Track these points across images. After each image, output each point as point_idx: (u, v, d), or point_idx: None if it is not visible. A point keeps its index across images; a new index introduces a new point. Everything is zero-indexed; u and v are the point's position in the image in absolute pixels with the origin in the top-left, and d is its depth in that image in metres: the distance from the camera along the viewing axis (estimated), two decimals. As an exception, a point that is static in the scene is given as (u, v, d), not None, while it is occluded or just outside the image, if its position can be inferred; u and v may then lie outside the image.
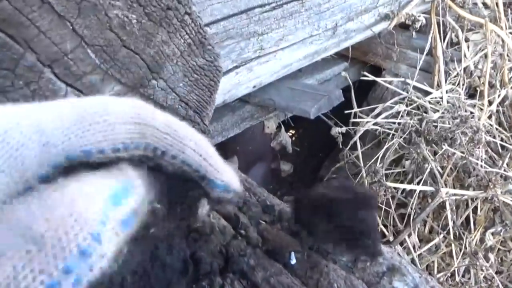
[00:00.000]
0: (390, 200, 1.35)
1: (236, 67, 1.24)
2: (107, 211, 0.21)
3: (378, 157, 1.43)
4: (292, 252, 0.47)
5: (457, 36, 1.70)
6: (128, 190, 0.23)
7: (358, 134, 1.49)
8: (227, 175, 0.30)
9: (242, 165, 1.65)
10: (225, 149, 1.59)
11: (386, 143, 1.42)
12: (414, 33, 1.76)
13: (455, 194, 1.28)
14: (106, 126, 0.25)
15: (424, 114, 1.43)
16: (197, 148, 0.28)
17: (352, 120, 1.60)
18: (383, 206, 1.38)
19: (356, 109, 1.65)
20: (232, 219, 0.52)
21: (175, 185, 0.30)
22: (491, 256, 1.42)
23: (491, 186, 1.16)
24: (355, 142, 1.54)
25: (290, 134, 2.42)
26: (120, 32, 0.53)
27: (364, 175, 1.34)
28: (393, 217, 1.37)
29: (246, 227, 0.52)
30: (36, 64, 0.48)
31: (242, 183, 0.64)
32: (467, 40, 1.72)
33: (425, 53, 1.64)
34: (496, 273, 1.44)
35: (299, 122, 2.08)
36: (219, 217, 0.52)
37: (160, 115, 0.27)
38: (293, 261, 0.47)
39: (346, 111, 1.60)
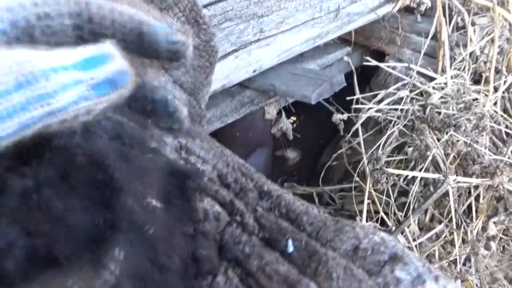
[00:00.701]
0: (390, 188, 1.33)
1: (235, 50, 1.21)
2: (69, 70, 0.22)
3: (380, 144, 1.40)
4: (290, 240, 0.45)
5: (463, 20, 1.65)
6: (103, 58, 0.24)
7: (360, 121, 1.47)
8: (167, 23, 0.30)
9: (242, 151, 1.63)
10: (224, 135, 1.57)
11: (388, 130, 1.39)
12: (419, 16, 1.71)
13: (459, 182, 1.25)
14: None
15: (427, 100, 1.39)
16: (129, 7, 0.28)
17: (354, 106, 1.57)
18: (384, 195, 1.36)
19: (358, 95, 1.61)
20: (227, 205, 0.50)
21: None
22: (493, 245, 1.41)
23: (498, 174, 1.14)
24: (357, 129, 1.51)
25: (292, 121, 2.39)
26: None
27: (366, 162, 1.32)
28: (395, 205, 1.35)
29: (242, 213, 0.50)
30: None
31: (239, 169, 0.62)
32: (473, 24, 1.67)
33: (429, 37, 1.60)
34: (497, 262, 1.43)
35: (301, 108, 2.05)
36: (213, 203, 0.50)
37: None
38: (291, 249, 0.44)
39: (348, 97, 1.56)
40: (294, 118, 2.41)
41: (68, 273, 0.23)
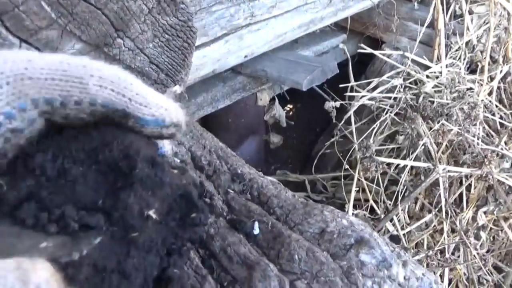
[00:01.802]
0: (380, 177, 1.32)
1: (226, 34, 1.19)
2: None
3: (371, 133, 1.39)
4: (256, 222, 0.45)
5: (460, 8, 1.63)
6: None
7: (353, 109, 1.45)
8: (159, 107, 0.27)
9: (234, 138, 1.62)
10: (216, 121, 1.56)
11: (381, 118, 1.38)
12: (416, 4, 1.69)
13: (449, 171, 1.24)
14: None
15: (420, 89, 1.38)
16: (105, 83, 0.24)
17: (348, 94, 1.56)
18: (374, 183, 1.35)
19: (352, 83, 1.60)
20: (197, 186, 0.50)
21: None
22: (483, 235, 1.41)
23: (486, 163, 1.13)
24: (350, 117, 1.50)
25: (288, 109, 2.38)
26: (78, -17, 0.49)
27: (356, 149, 1.31)
28: (384, 194, 1.35)
29: (211, 195, 0.50)
30: (-18, 15, 0.44)
31: (215, 152, 0.61)
32: (471, 12, 1.65)
33: (425, 25, 1.58)
34: (487, 251, 1.43)
35: (296, 96, 2.04)
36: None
37: (38, 58, 0.24)
38: (256, 231, 0.44)
39: (341, 85, 1.55)
40: (291, 106, 2.39)
41: (47, 237, 0.24)
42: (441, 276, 1.37)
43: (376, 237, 0.46)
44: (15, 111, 0.23)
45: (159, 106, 0.28)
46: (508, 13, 1.63)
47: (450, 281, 1.41)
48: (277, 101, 1.67)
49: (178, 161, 0.54)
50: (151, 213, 0.29)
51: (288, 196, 0.52)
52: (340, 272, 0.40)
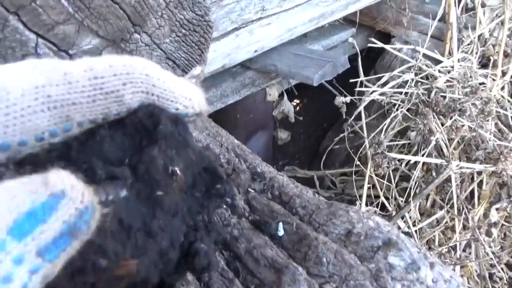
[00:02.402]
0: (392, 173, 1.31)
1: (236, 29, 1.18)
2: (5, 244, 0.17)
3: (382, 128, 1.38)
4: (280, 223, 0.44)
5: (472, 1, 1.60)
6: (48, 207, 0.18)
7: (363, 104, 1.43)
8: (184, 99, 0.28)
9: (243, 134, 1.61)
10: (225, 117, 1.55)
11: (392, 114, 1.36)
12: (427, -3, 1.66)
13: (462, 167, 1.23)
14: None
15: (432, 84, 1.36)
16: (136, 87, 0.25)
17: (358, 89, 1.54)
18: (385, 180, 1.34)
19: (362, 78, 1.58)
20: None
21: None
22: (494, 231, 1.39)
23: (502, 159, 1.11)
24: (360, 112, 1.48)
25: (295, 104, 2.36)
26: (95, -23, 0.47)
27: (368, 146, 1.29)
28: (396, 190, 1.33)
29: (232, 195, 0.48)
30: (-1, 9, 0.43)
31: (233, 150, 0.60)
32: (483, 5, 1.62)
33: (437, 18, 1.55)
34: (499, 248, 1.42)
35: (304, 90, 2.02)
36: (203, 183, 0.48)
37: (77, 76, 0.24)
38: (281, 233, 0.43)
39: (352, 80, 1.53)
40: (298, 101, 2.38)
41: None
42: (452, 273, 1.36)
43: (404, 239, 0.44)
44: (59, 130, 0.24)
45: (183, 97, 0.28)
46: (522, 7, 1.59)
47: (461, 277, 1.40)
48: (285, 96, 1.66)
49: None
50: (177, 169, 0.29)
51: (310, 195, 0.51)
52: (369, 275, 0.39)
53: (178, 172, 0.28)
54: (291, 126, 2.22)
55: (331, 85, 1.83)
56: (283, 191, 0.51)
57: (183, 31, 0.59)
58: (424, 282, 0.43)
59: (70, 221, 0.19)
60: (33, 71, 0.23)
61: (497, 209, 1.33)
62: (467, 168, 1.23)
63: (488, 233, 1.40)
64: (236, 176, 0.53)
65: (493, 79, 1.53)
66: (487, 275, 1.32)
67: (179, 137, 0.29)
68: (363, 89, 1.49)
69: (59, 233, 0.19)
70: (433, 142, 1.23)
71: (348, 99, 1.43)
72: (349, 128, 1.49)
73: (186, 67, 0.62)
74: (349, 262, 0.39)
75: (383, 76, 1.49)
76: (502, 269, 1.30)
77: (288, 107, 1.65)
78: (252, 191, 0.51)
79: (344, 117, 1.46)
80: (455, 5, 1.62)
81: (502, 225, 1.45)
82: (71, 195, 0.19)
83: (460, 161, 1.33)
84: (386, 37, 1.87)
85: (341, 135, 1.61)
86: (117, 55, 0.54)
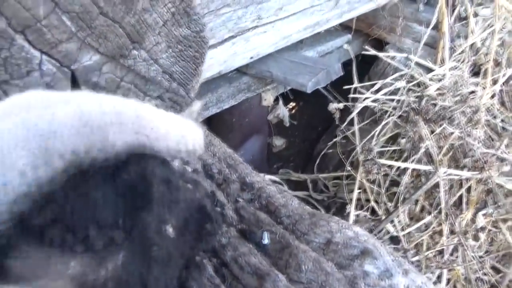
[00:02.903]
0: (381, 179, 1.34)
1: (233, 37, 1.21)
2: None
3: (374, 135, 1.41)
4: (265, 232, 0.47)
5: (465, 11, 1.64)
6: None
7: (356, 111, 1.47)
8: (175, 137, 0.30)
9: (238, 137, 1.64)
10: (220, 121, 1.58)
11: (383, 121, 1.40)
12: (421, 5, 1.70)
13: (449, 174, 1.27)
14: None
15: (423, 92, 1.40)
16: (124, 128, 0.27)
17: (351, 95, 1.57)
18: (375, 185, 1.38)
19: (356, 84, 1.62)
20: (209, 196, 0.52)
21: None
22: (481, 236, 1.43)
23: (487, 168, 1.15)
24: (353, 118, 1.52)
25: (290, 107, 2.40)
26: (97, -1, 0.50)
27: (359, 151, 1.33)
28: (385, 195, 1.37)
29: (222, 205, 0.52)
30: (7, 29, 0.46)
31: (225, 160, 0.63)
32: (476, 15, 1.65)
33: (430, 27, 1.59)
34: (485, 253, 1.46)
35: (299, 95, 2.05)
36: (194, 193, 0.52)
37: (63, 116, 0.26)
38: (266, 241, 0.46)
39: (345, 87, 1.57)
40: (293, 105, 2.41)
41: (75, 256, 0.26)
42: (440, 277, 1.40)
43: (379, 248, 0.48)
44: (41, 162, 0.26)
45: (175, 135, 0.30)
46: (512, 17, 1.63)
47: (448, 281, 1.44)
48: (281, 101, 1.69)
49: (190, 169, 0.56)
50: (169, 230, 0.31)
51: (295, 205, 0.54)
52: (344, 282, 0.43)
53: (171, 229, 0.31)
54: (286, 130, 2.25)
55: (326, 90, 1.87)
56: (269, 201, 0.54)
57: (179, 47, 0.62)
58: (396, 288, 0.46)
59: None
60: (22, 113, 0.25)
61: (484, 215, 1.37)
62: (454, 175, 1.27)
63: (476, 238, 1.44)
64: (226, 186, 0.56)
65: (483, 88, 1.57)
66: (473, 278, 1.36)
67: (171, 197, 0.31)
68: (356, 95, 1.53)
69: None
70: (423, 149, 1.27)
71: (341, 105, 1.46)
72: (341, 134, 1.52)
73: (181, 80, 0.65)
74: (326, 270, 0.42)
75: (376, 83, 1.52)
76: (487, 273, 1.34)
77: (283, 111, 1.69)
78: (241, 200, 0.55)
79: (337, 123, 1.50)
80: (448, 15, 1.66)
81: (489, 230, 1.49)
82: None
83: (448, 168, 1.36)
84: (381, 44, 1.90)
85: (334, 140, 1.64)
86: (118, 69, 0.57)
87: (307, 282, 0.42)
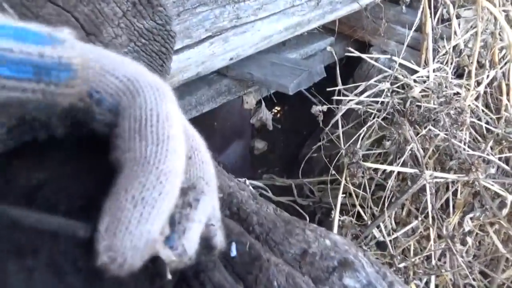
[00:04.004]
0: (367, 183, 1.31)
1: (211, 36, 1.16)
2: None
3: (358, 138, 1.38)
4: (233, 243, 0.42)
5: (448, 12, 1.62)
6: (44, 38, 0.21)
7: (340, 113, 1.44)
8: None
9: (220, 142, 1.59)
10: (201, 124, 1.52)
11: (368, 123, 1.36)
12: (404, 7, 1.68)
13: (436, 177, 1.23)
14: None
15: (408, 93, 1.37)
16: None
17: (335, 98, 1.54)
18: (361, 189, 1.34)
19: (340, 87, 1.58)
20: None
21: None
22: (469, 240, 1.40)
23: (473, 170, 1.12)
24: (337, 121, 1.48)
25: (275, 111, 2.36)
26: (43, -16, 0.45)
27: (343, 154, 1.29)
28: (371, 199, 1.33)
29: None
30: None
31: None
32: (458, 16, 1.64)
33: (413, 29, 1.57)
34: (473, 257, 1.43)
35: (284, 99, 2.01)
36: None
37: None
38: (233, 253, 0.41)
39: (329, 89, 1.53)
40: (278, 109, 2.37)
41: None
42: (428, 283, 1.37)
43: (361, 258, 0.43)
44: None
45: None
46: (495, 18, 1.63)
47: (436, 286, 1.41)
48: (263, 104, 1.65)
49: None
50: None
51: (269, 212, 0.49)
52: (322, 298, 0.38)
53: None
54: (270, 134, 2.21)
55: (311, 93, 1.83)
56: (241, 207, 0.49)
57: (143, 40, 0.57)
58: (381, 304, 0.41)
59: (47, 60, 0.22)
60: None
61: (471, 218, 1.34)
62: (441, 178, 1.24)
63: (463, 242, 1.41)
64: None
65: (468, 89, 1.55)
66: (461, 284, 1.32)
67: None
68: (340, 97, 1.50)
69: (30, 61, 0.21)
70: (408, 152, 1.23)
71: (325, 107, 1.43)
72: (326, 137, 1.48)
73: (146, 77, 0.60)
74: (300, 285, 0.37)
75: (360, 85, 1.49)
76: (475, 278, 1.31)
77: (266, 114, 1.64)
78: (210, 207, 0.49)
79: (321, 125, 1.46)
80: (431, 16, 1.64)
81: (477, 234, 1.46)
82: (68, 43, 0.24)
83: (434, 170, 1.33)
84: (365, 46, 1.88)
85: (319, 143, 1.60)
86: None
87: (279, 300, 0.36)
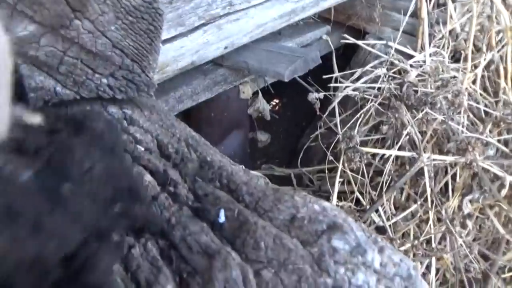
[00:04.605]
0: (365, 169, 1.30)
1: (204, 24, 1.16)
2: None
3: (355, 123, 1.38)
4: (222, 210, 0.42)
5: (443, -4, 1.61)
6: None
7: (337, 100, 1.43)
8: None
9: (218, 132, 1.59)
10: (199, 115, 1.53)
11: (364, 108, 1.36)
12: (398, -7, 1.67)
13: (434, 160, 1.23)
14: None
15: (404, 78, 1.36)
16: None
17: (332, 85, 1.53)
18: (359, 174, 1.34)
19: (336, 74, 1.58)
20: (160, 174, 0.47)
21: None
22: (469, 223, 1.40)
23: (470, 150, 1.12)
24: (334, 108, 1.48)
25: (274, 104, 2.36)
26: (26, -42, 0.45)
27: (340, 139, 1.29)
28: (369, 185, 1.33)
29: (175, 183, 0.47)
30: None
31: (185, 140, 0.58)
32: (454, 0, 1.63)
33: (408, 14, 1.56)
34: (473, 240, 1.42)
35: (282, 89, 2.01)
36: (144, 172, 0.46)
37: None
38: (222, 219, 0.41)
39: (325, 76, 1.53)
40: (277, 101, 2.37)
41: None
42: (429, 266, 1.36)
43: (351, 222, 0.43)
44: None
45: None
46: (491, 1, 1.62)
47: (437, 270, 1.40)
48: (260, 94, 1.64)
49: (142, 149, 0.51)
50: (94, 167, 0.27)
51: (259, 183, 0.49)
52: (310, 259, 0.38)
53: (95, 171, 0.26)
54: (270, 126, 2.21)
55: (309, 83, 1.83)
56: (231, 179, 0.49)
57: (130, 18, 0.57)
58: (371, 266, 0.41)
59: None
60: None
61: (470, 200, 1.34)
62: (439, 160, 1.23)
63: (463, 226, 1.40)
64: (183, 165, 0.51)
65: (465, 73, 1.54)
66: (462, 266, 1.32)
67: (108, 141, 0.28)
68: (337, 85, 1.49)
69: None
70: (404, 135, 1.23)
71: (321, 95, 1.42)
72: (323, 125, 1.48)
73: (135, 56, 0.60)
74: (288, 246, 0.37)
75: (356, 71, 1.49)
76: (476, 259, 1.30)
77: (263, 105, 1.64)
78: (200, 180, 0.49)
79: (318, 112, 1.46)
80: (426, 1, 1.63)
81: (477, 217, 1.46)
82: None
83: (433, 153, 1.33)
84: (361, 35, 1.87)
85: (316, 132, 1.60)
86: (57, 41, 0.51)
87: (267, 261, 0.36)
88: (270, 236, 0.38)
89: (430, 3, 1.65)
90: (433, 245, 1.32)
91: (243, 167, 0.55)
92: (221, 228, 0.41)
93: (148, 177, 0.45)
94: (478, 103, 1.55)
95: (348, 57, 1.94)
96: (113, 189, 0.29)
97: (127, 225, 0.30)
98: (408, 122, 1.25)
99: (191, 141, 0.58)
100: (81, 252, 0.25)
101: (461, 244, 1.31)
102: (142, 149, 0.51)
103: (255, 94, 1.66)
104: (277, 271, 0.36)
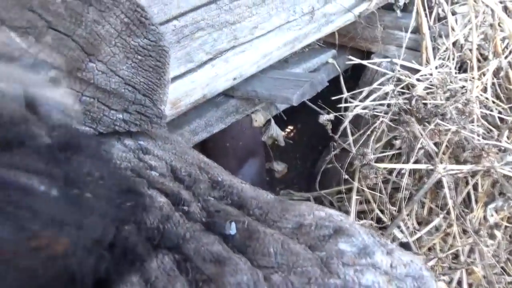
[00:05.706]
0: (383, 185, 1.30)
1: (211, 59, 1.22)
2: None
3: (368, 140, 1.39)
4: (233, 223, 0.44)
5: (443, 10, 1.65)
6: None
7: (348, 120, 1.45)
8: None
9: (234, 162, 1.62)
10: (214, 146, 1.57)
11: (374, 125, 1.37)
12: (398, 12, 1.72)
13: (451, 170, 1.22)
14: None
15: (412, 92, 1.38)
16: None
17: (342, 105, 1.56)
18: (377, 191, 1.33)
19: (345, 94, 1.61)
20: (174, 196, 0.50)
21: None
22: (498, 234, 1.36)
23: (485, 156, 1.11)
24: (346, 129, 1.50)
25: (289, 130, 2.39)
26: (44, 13, 0.51)
27: (354, 157, 1.30)
28: (388, 201, 1.32)
29: (189, 203, 0.49)
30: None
31: (197, 164, 0.61)
32: (454, 13, 1.67)
33: (409, 31, 1.60)
34: (504, 250, 1.38)
35: (296, 116, 2.05)
36: (158, 195, 0.49)
37: None
38: (233, 231, 0.43)
39: (334, 97, 1.56)
40: (292, 127, 2.41)
41: None
42: (460, 282, 1.32)
43: (357, 226, 0.45)
44: None
45: None
46: (492, 9, 1.64)
47: (470, 286, 1.36)
48: (273, 120, 1.68)
49: (157, 174, 0.55)
50: (102, 176, 0.31)
51: (267, 197, 0.51)
52: (318, 262, 0.39)
53: (102, 179, 0.30)
54: (286, 152, 2.23)
55: (320, 107, 1.86)
56: (241, 195, 0.52)
57: (139, 57, 0.62)
58: (380, 267, 0.42)
59: None
60: None
61: (495, 209, 1.31)
62: (456, 170, 1.22)
63: (492, 237, 1.37)
64: (196, 186, 0.54)
65: (472, 81, 1.55)
66: (494, 279, 1.27)
67: (100, 154, 0.32)
68: (346, 104, 1.52)
69: None
70: (417, 147, 1.23)
71: (331, 116, 1.45)
72: (336, 145, 1.50)
73: (146, 91, 0.64)
74: (295, 250, 0.39)
75: (364, 90, 1.51)
76: (505, 271, 1.26)
77: (276, 131, 1.67)
78: (212, 198, 0.52)
79: (330, 134, 1.48)
80: (427, 16, 1.67)
81: (506, 226, 1.42)
82: None
83: (448, 164, 1.32)
84: (367, 55, 1.91)
85: (332, 153, 1.61)
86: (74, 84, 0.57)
87: (277, 266, 0.38)
88: (278, 242, 0.40)
89: (430, 17, 1.69)
90: (462, 258, 1.29)
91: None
92: (233, 239, 0.43)
93: (162, 199, 0.48)
94: (491, 110, 1.55)
95: (356, 79, 1.98)
96: (118, 190, 0.33)
97: (140, 212, 0.35)
98: (421, 134, 1.25)
99: (203, 165, 0.61)
100: (120, 238, 0.29)
101: (492, 256, 1.27)
102: (157, 174, 0.54)
103: (268, 121, 1.70)
104: (286, 274, 0.38)
